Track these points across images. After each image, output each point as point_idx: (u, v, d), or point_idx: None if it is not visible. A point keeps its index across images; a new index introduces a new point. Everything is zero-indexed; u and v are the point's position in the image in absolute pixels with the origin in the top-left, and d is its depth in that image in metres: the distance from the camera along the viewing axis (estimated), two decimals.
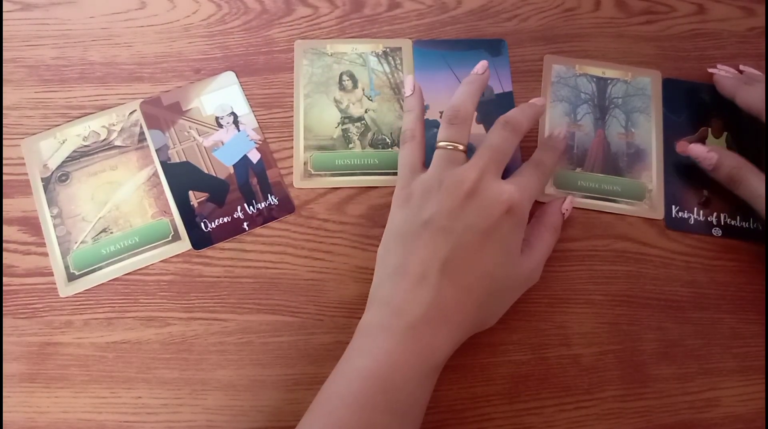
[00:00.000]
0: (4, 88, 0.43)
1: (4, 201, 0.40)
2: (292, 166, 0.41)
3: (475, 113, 0.43)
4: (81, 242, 0.39)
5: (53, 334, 0.37)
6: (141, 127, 0.42)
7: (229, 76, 0.43)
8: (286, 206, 0.40)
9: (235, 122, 0.42)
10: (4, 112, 0.42)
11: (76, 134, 0.41)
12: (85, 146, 0.41)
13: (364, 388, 0.28)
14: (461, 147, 0.35)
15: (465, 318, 0.31)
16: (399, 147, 0.38)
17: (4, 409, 0.35)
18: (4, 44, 0.44)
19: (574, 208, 0.41)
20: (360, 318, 0.33)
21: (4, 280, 0.38)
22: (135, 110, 0.42)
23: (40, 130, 0.41)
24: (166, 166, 0.41)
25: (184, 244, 0.39)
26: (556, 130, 0.39)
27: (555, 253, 0.40)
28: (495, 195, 0.32)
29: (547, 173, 0.37)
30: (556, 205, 0.38)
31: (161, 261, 0.39)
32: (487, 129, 0.43)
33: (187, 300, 0.38)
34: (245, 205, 0.40)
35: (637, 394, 0.36)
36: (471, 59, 0.45)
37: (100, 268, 0.38)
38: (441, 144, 0.35)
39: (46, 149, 0.41)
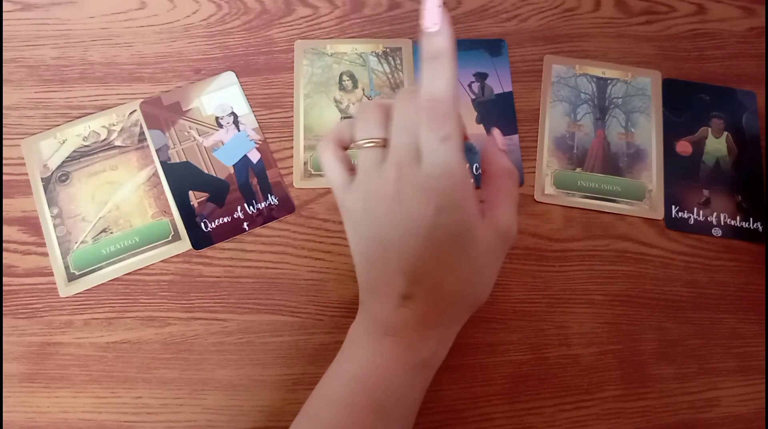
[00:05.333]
0: (4, 88, 0.43)
1: (4, 201, 0.40)
2: (292, 166, 0.41)
3: (475, 113, 0.43)
4: (81, 242, 0.39)
5: (53, 334, 0.37)
6: (141, 127, 0.42)
7: (229, 76, 0.43)
8: (286, 206, 0.40)
9: (235, 122, 0.42)
10: (4, 112, 0.42)
11: (76, 134, 0.41)
12: (86, 146, 0.41)
13: (349, 390, 0.29)
14: (379, 141, 0.30)
15: (444, 315, 0.30)
16: None
17: (4, 409, 0.35)
18: (4, 44, 0.44)
19: (574, 208, 0.41)
20: None
21: (4, 280, 0.38)
22: (135, 110, 0.42)
23: (40, 130, 0.41)
24: (166, 166, 0.41)
25: (184, 244, 0.39)
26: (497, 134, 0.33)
27: (555, 253, 0.40)
28: (418, 195, 0.29)
29: (456, 130, 0.30)
30: (492, 150, 0.32)
31: (161, 261, 0.39)
32: (486, 129, 0.43)
33: (187, 300, 0.38)
34: (245, 205, 0.40)
35: (637, 394, 0.36)
36: (471, 59, 0.45)
37: (100, 268, 0.38)
38: (358, 143, 0.31)
39: (46, 149, 0.41)
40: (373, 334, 0.30)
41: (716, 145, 0.43)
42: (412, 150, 0.29)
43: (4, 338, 0.37)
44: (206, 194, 0.40)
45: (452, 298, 0.30)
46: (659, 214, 0.41)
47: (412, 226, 0.29)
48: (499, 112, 0.43)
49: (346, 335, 0.32)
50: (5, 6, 0.45)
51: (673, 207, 0.41)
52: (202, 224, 0.40)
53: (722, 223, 0.41)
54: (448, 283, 0.30)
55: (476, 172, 0.41)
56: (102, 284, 0.38)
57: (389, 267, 0.30)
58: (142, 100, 0.42)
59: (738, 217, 0.41)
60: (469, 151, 0.42)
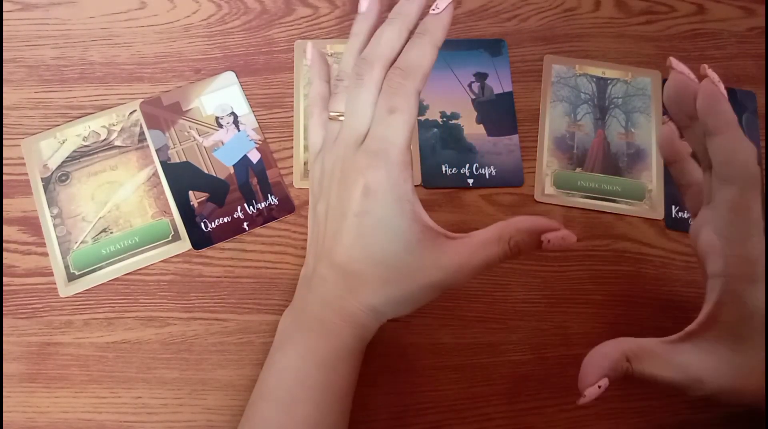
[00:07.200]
0: (4, 88, 0.43)
1: (4, 201, 0.40)
2: (292, 166, 0.41)
3: (475, 113, 0.43)
4: (81, 242, 0.39)
5: (53, 334, 0.37)
6: (141, 127, 0.42)
7: (229, 76, 0.43)
8: (286, 206, 0.40)
9: (235, 122, 0.42)
10: (4, 112, 0.42)
11: (76, 134, 0.41)
12: (85, 146, 0.41)
13: (280, 382, 0.29)
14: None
15: (362, 300, 0.29)
16: None
17: (4, 409, 0.35)
18: (4, 44, 0.44)
19: (574, 208, 0.41)
20: None
21: (4, 280, 0.38)
22: (135, 110, 0.42)
23: (40, 130, 0.41)
24: (166, 166, 0.41)
25: (184, 244, 0.39)
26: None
27: (555, 253, 0.40)
28: (353, 175, 0.28)
29: (411, 97, 0.28)
30: (537, 223, 0.27)
31: (161, 261, 0.39)
32: (486, 129, 0.43)
33: (187, 300, 0.38)
34: (245, 205, 0.40)
35: (638, 393, 0.36)
36: (471, 59, 0.45)
37: (100, 268, 0.38)
38: (330, 114, 0.31)
39: (46, 149, 0.41)
40: (296, 323, 0.31)
41: None
42: (362, 129, 0.28)
43: (4, 338, 0.37)
44: (206, 194, 0.40)
45: (371, 285, 0.29)
46: (659, 214, 0.41)
47: (345, 207, 0.28)
48: (499, 112, 0.43)
49: (279, 323, 0.32)
50: (5, 6, 0.45)
51: (674, 207, 0.41)
52: (202, 224, 0.40)
53: None
54: (366, 272, 0.29)
55: (475, 171, 0.41)
56: (102, 284, 0.38)
57: (321, 246, 0.30)
58: (142, 100, 0.42)
59: None
60: (469, 151, 0.42)
